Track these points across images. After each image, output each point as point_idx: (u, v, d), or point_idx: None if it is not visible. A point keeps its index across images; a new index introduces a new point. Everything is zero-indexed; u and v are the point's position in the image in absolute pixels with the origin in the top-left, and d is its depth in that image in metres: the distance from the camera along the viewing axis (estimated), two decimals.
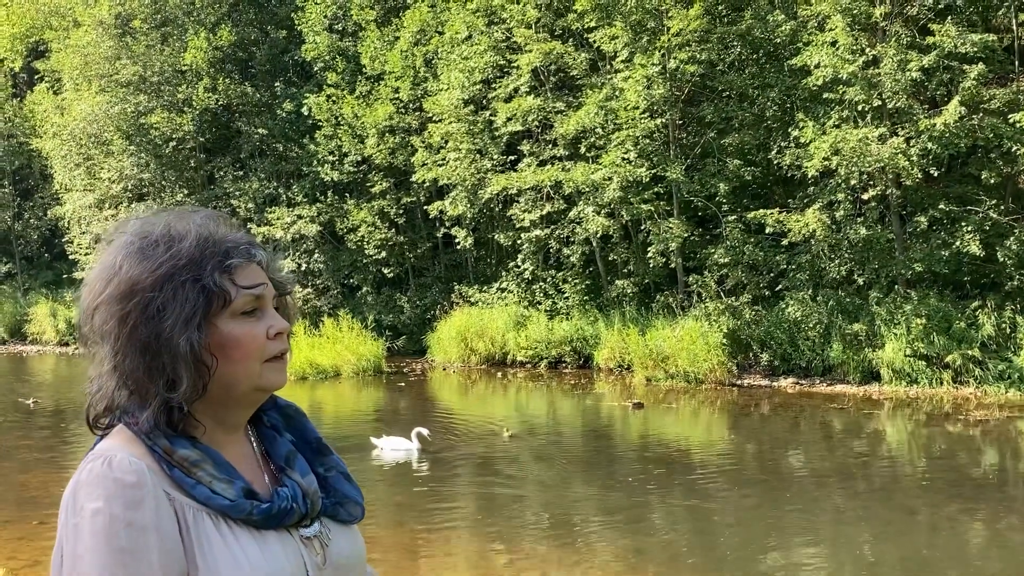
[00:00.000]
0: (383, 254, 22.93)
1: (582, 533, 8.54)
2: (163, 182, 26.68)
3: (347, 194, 24.13)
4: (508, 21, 20.67)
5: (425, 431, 11.46)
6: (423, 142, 21.89)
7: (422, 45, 22.57)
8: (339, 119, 23.68)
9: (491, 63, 20.73)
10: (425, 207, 22.45)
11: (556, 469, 11.16)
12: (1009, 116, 14.42)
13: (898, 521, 8.54)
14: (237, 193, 25.43)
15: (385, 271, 23.34)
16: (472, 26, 21.05)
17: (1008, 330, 14.35)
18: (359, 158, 23.51)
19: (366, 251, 23.10)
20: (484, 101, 21.08)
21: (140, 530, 1.34)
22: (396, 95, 22.87)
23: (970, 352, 14.33)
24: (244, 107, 25.99)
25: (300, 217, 24.03)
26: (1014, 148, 14.42)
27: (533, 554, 7.94)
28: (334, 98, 23.85)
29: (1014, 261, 14.71)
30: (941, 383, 14.48)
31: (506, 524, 8.78)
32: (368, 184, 23.47)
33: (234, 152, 26.64)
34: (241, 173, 26.28)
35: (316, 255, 24.66)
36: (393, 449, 11.32)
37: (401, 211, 23.14)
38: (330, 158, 23.97)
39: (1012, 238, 14.74)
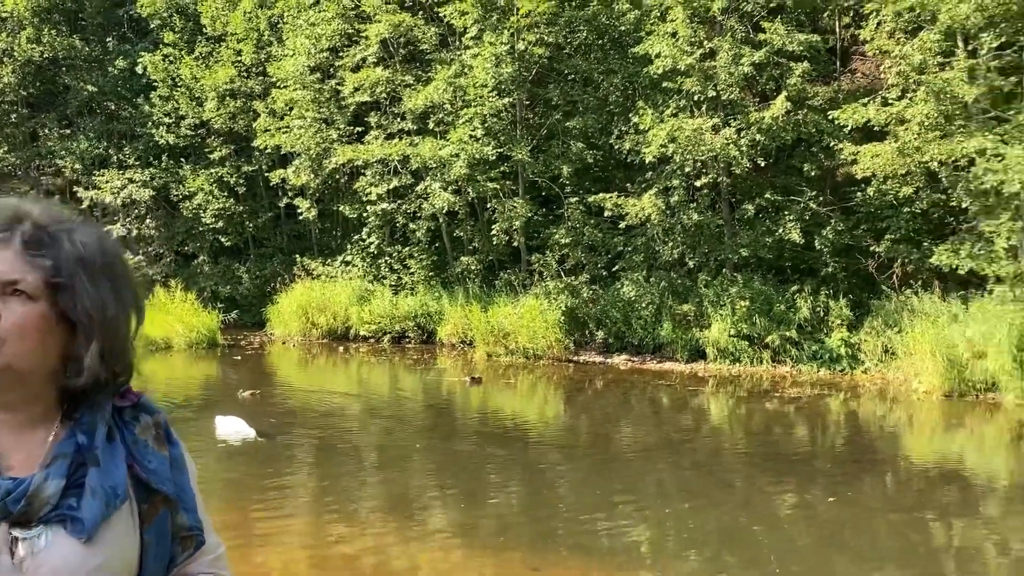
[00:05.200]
0: (220, 223, 22.17)
1: (418, 508, 8.63)
2: None
3: (183, 159, 23.14)
4: None
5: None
6: (266, 108, 21.26)
7: (267, 8, 21.86)
8: (176, 80, 22.64)
9: (339, 31, 20.34)
10: (267, 175, 21.84)
11: (395, 444, 11.20)
12: (829, 113, 15.43)
13: (716, 493, 9.08)
14: (63, 153, 23.88)
15: (223, 240, 22.58)
16: None
17: (822, 313, 15.43)
18: (197, 122, 22.59)
19: (203, 219, 22.26)
20: (331, 69, 20.66)
21: None
22: (238, 58, 22.07)
23: (788, 333, 15.34)
24: (72, 61, 24.38)
25: (132, 181, 22.86)
26: (833, 144, 15.45)
27: (368, 530, 7.96)
28: (171, 58, 22.76)
29: (829, 249, 15.81)
30: (761, 362, 15.44)
31: (342, 500, 8.76)
32: (206, 149, 22.59)
33: (60, 108, 24.99)
34: (68, 131, 24.69)
35: (148, 221, 23.55)
36: (235, 431, 10.98)
37: (241, 179, 22.41)
38: (166, 120, 22.91)
39: (828, 228, 15.84)
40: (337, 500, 8.77)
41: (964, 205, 14.08)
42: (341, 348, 19.00)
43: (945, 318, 13.55)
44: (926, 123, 13.69)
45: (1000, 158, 12.71)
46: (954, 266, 13.89)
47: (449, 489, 9.21)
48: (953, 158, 13.60)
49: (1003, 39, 13.74)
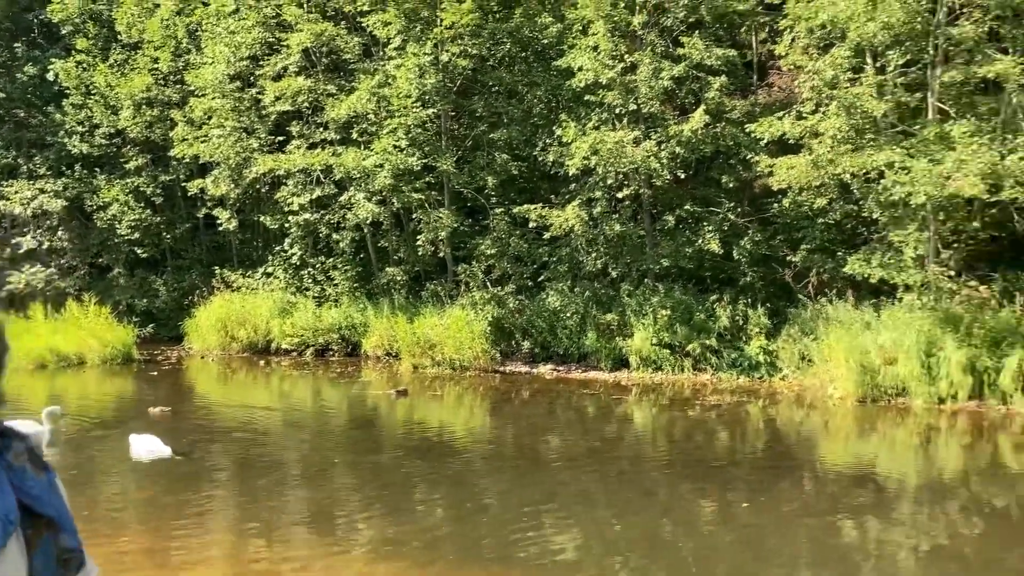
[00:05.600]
0: (137, 234, 21.62)
1: (342, 524, 8.53)
2: None
3: (98, 168, 22.51)
4: None
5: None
6: (184, 116, 20.83)
7: (185, 15, 21.45)
8: (90, 88, 22.04)
9: (259, 39, 20.06)
10: (185, 185, 21.38)
11: (318, 459, 11.05)
12: (746, 126, 15.80)
13: (640, 501, 9.20)
14: None
15: (139, 251, 22.02)
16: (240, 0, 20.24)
17: (740, 322, 15.77)
18: (112, 130, 22.03)
19: (118, 230, 21.68)
20: (251, 78, 20.35)
21: None
22: (155, 66, 21.60)
23: (708, 341, 15.63)
24: None
25: (43, 191, 22.14)
26: (750, 156, 15.83)
27: (291, 548, 7.84)
28: (85, 64, 22.14)
29: (747, 259, 16.19)
30: (683, 370, 15.69)
31: (264, 518, 8.60)
32: (122, 159, 22.03)
33: None
34: None
35: (61, 232, 22.81)
36: (148, 451, 10.67)
37: (158, 189, 21.91)
38: (79, 129, 22.28)
39: (746, 238, 16.21)
40: (259, 519, 8.61)
41: (875, 216, 14.58)
42: (262, 362, 18.67)
43: (858, 326, 13.98)
44: (838, 136, 14.13)
45: (907, 171, 13.21)
46: (866, 275, 14.37)
47: (374, 504, 9.12)
48: (864, 170, 14.07)
49: (908, 56, 14.30)
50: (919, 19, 13.76)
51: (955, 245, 14.38)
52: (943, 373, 12.83)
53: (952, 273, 13.91)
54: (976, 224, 14.42)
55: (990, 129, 13.37)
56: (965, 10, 13.77)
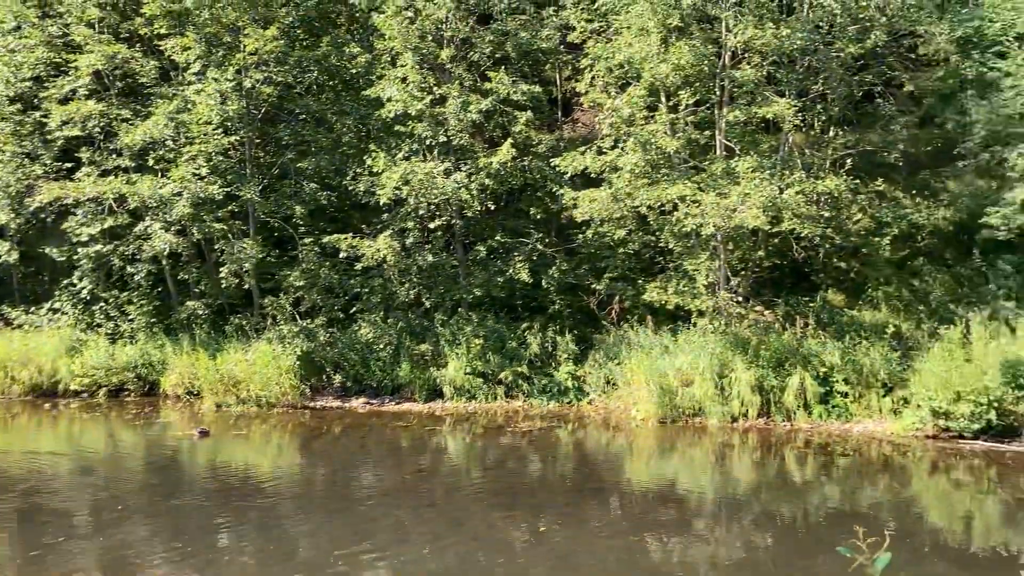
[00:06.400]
0: None
1: None
2: None
3: None
4: (66, 16, 18.86)
5: None
6: None
7: None
8: None
9: (44, 60, 18.75)
10: None
11: (112, 507, 10.30)
12: (551, 160, 16.32)
13: (453, 531, 9.18)
14: None
15: None
16: (21, 16, 18.88)
17: (550, 348, 16.17)
18: None
19: None
20: (35, 100, 18.95)
21: None
22: None
23: (519, 369, 15.92)
24: None
25: None
26: (556, 189, 16.33)
27: None
28: None
29: (555, 287, 16.66)
30: (496, 398, 15.88)
31: (50, 574, 7.92)
32: None
33: None
34: None
35: None
36: None
37: None
38: None
39: (554, 267, 16.69)
40: (44, 575, 7.91)
41: (670, 246, 15.40)
42: (48, 405, 17.25)
43: (658, 350, 14.68)
44: (635, 171, 14.85)
45: (698, 203, 14.05)
46: (663, 302, 15.12)
47: (174, 553, 8.60)
48: (659, 203, 14.84)
49: (698, 97, 15.28)
50: (706, 62, 14.75)
51: (743, 273, 15.42)
52: (735, 393, 13.68)
53: (740, 299, 14.88)
54: (761, 253, 15.56)
55: (771, 165, 14.49)
56: (746, 55, 14.88)
